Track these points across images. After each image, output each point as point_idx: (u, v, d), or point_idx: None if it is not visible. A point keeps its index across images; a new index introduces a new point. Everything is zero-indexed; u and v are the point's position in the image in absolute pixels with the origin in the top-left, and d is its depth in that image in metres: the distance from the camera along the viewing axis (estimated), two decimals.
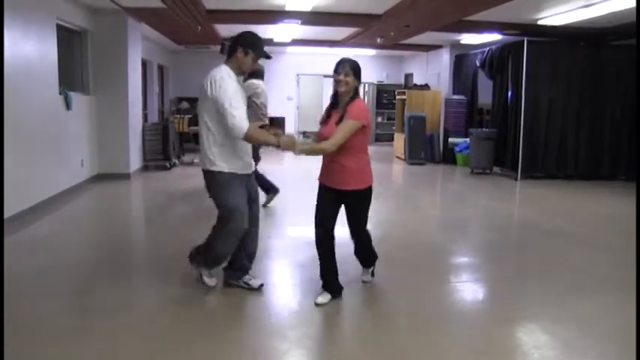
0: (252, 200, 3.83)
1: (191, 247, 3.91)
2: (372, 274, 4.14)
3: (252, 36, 3.65)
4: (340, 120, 3.46)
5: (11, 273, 4.15)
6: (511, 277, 4.54)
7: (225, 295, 3.87)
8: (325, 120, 3.66)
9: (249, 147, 3.71)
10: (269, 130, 3.71)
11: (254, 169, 3.92)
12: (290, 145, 3.45)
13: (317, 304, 3.64)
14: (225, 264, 3.92)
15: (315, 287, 3.95)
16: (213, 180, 3.58)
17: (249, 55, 3.55)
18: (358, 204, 3.67)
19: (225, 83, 3.39)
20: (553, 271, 4.55)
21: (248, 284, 3.91)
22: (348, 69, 3.50)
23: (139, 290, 4.03)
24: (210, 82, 3.40)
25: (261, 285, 3.93)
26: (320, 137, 3.59)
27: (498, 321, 3.53)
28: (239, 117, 3.36)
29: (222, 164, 3.53)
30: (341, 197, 3.61)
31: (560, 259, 4.96)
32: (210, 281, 3.88)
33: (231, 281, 3.94)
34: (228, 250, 3.74)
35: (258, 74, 6.25)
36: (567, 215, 6.89)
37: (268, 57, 3.73)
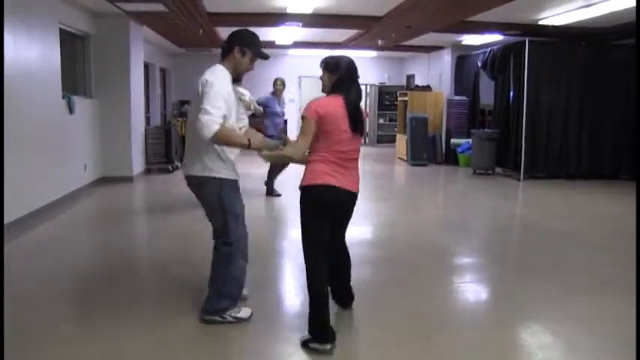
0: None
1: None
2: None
3: (250, 34, 3.33)
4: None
5: (13, 277, 4.16)
6: (514, 277, 4.54)
7: None
8: None
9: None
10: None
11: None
12: (259, 146, 3.18)
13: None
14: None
15: None
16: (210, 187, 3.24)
17: (246, 55, 3.24)
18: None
19: (218, 84, 3.08)
20: (556, 272, 4.55)
21: (236, 317, 3.39)
22: (322, 66, 3.25)
23: (141, 295, 4.04)
24: (202, 83, 3.10)
25: (251, 314, 3.45)
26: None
27: (501, 321, 3.53)
28: (215, 116, 2.97)
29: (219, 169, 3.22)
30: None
31: (563, 259, 4.95)
32: (245, 312, 3.41)
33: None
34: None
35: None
36: (570, 215, 6.89)
37: (266, 57, 3.40)
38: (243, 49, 3.23)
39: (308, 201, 3.09)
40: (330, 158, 3.06)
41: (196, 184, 3.27)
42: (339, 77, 3.19)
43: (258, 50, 3.30)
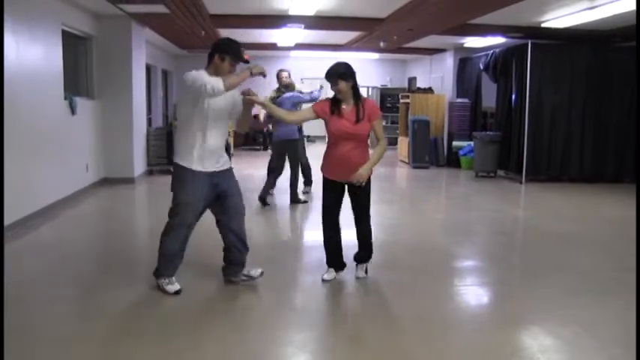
0: (229, 195, 3.86)
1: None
2: (366, 271, 4.28)
3: (228, 41, 3.78)
4: (357, 114, 3.86)
5: (16, 277, 4.16)
6: (516, 280, 4.53)
7: (228, 299, 3.87)
8: (336, 113, 3.90)
9: (215, 142, 3.75)
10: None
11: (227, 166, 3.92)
12: (260, 70, 3.65)
13: (324, 281, 4.12)
14: (222, 264, 4.03)
15: (318, 290, 3.96)
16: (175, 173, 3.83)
17: (225, 60, 3.67)
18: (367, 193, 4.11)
19: (197, 72, 3.56)
20: (558, 274, 4.53)
21: (248, 275, 4.03)
22: (335, 78, 3.81)
23: (143, 294, 4.03)
24: (186, 78, 3.56)
25: (262, 273, 4.07)
26: (343, 132, 3.89)
27: (503, 324, 3.52)
28: (211, 80, 3.47)
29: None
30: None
31: (565, 262, 4.94)
32: (171, 287, 3.84)
33: (232, 278, 4.01)
34: (173, 246, 3.80)
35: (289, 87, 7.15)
36: (572, 218, 6.87)
37: (243, 60, 3.76)
38: (222, 55, 3.68)
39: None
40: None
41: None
42: (355, 82, 3.89)
43: (236, 55, 3.71)
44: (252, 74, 3.60)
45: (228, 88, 3.52)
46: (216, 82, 3.46)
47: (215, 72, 3.64)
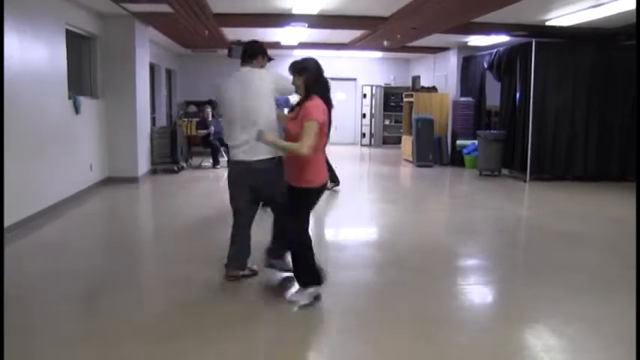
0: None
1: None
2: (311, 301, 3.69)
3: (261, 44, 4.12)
4: (297, 116, 3.55)
5: (20, 276, 4.18)
6: (520, 279, 4.51)
7: (232, 298, 3.87)
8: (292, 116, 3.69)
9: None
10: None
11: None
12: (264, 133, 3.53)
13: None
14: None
15: (323, 289, 3.95)
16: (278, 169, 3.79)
17: (265, 58, 4.06)
18: (292, 199, 3.69)
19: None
20: (562, 273, 4.51)
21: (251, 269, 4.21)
22: (292, 71, 3.62)
23: (147, 294, 4.04)
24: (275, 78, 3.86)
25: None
26: (287, 132, 3.65)
27: (507, 323, 3.51)
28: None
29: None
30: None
31: (569, 260, 4.92)
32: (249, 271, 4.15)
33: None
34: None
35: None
36: (576, 217, 6.84)
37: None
38: (265, 55, 4.04)
39: (306, 196, 3.63)
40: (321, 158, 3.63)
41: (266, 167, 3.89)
42: (310, 79, 3.58)
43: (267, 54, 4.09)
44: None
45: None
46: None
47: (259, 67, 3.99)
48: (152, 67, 11.27)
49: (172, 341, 3.15)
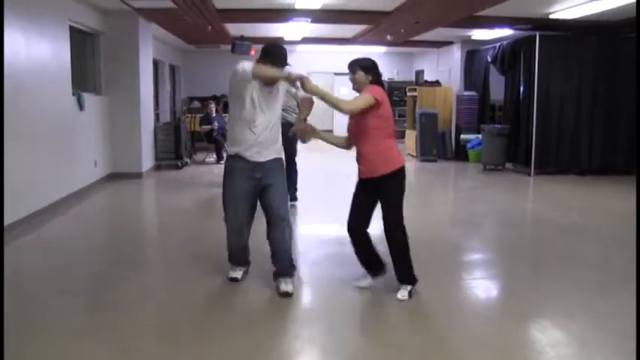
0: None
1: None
2: (410, 295, 3.69)
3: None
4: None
5: (25, 272, 4.20)
6: (525, 273, 4.51)
7: (236, 294, 3.88)
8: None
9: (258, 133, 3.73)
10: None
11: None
12: (301, 76, 3.48)
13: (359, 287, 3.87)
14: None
15: (327, 285, 3.96)
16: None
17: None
18: (383, 192, 3.76)
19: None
20: (567, 267, 4.51)
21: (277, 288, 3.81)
22: (354, 66, 3.67)
23: (152, 289, 4.06)
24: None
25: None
26: (349, 132, 3.79)
27: (512, 317, 3.51)
28: (245, 66, 3.57)
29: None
30: (367, 187, 3.76)
31: (574, 254, 4.91)
32: (234, 273, 4.01)
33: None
34: (229, 243, 3.90)
35: None
36: (581, 211, 6.83)
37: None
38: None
39: (396, 181, 3.80)
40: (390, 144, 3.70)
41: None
42: (375, 77, 3.65)
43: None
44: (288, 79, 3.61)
45: (255, 75, 3.59)
46: (246, 68, 3.60)
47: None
48: (156, 63, 11.27)
49: (174, 339, 3.15)
